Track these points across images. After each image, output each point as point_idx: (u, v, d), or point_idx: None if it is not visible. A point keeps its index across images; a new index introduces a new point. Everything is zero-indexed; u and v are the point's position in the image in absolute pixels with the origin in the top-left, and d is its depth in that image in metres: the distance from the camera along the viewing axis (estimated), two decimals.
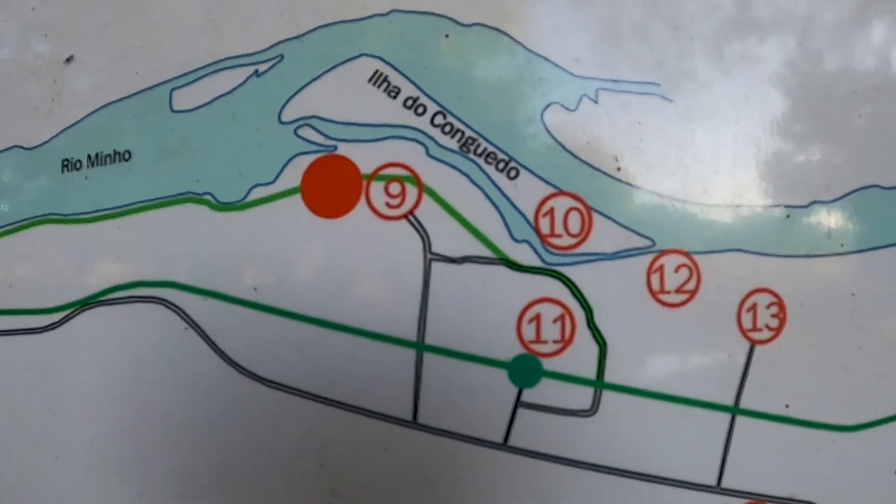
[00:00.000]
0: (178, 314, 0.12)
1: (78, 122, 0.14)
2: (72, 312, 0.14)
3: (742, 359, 0.12)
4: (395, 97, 0.12)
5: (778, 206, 0.12)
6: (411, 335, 0.11)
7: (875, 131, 0.12)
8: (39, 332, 0.14)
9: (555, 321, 0.11)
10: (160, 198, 0.13)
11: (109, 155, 0.13)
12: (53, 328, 0.14)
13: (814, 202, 0.12)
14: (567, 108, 0.12)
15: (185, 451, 0.13)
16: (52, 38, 0.15)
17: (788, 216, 0.12)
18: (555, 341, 0.11)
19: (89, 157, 0.14)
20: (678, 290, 0.11)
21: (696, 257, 0.11)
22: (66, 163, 0.14)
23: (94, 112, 0.14)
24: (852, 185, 0.12)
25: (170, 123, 0.13)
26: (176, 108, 0.13)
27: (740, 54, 0.12)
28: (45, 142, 0.14)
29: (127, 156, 0.13)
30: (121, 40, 0.14)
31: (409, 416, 0.11)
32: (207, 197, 0.12)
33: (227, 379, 0.12)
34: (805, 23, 0.12)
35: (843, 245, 0.12)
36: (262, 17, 0.13)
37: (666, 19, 0.12)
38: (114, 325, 0.13)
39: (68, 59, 0.15)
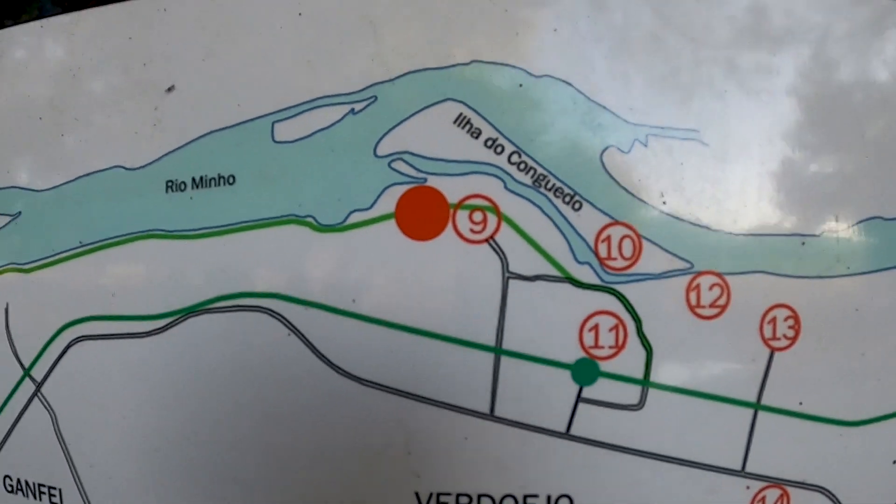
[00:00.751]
0: (282, 321, 0.16)
1: (181, 146, 0.17)
2: (176, 319, 0.17)
3: (763, 363, 0.16)
4: (476, 137, 0.15)
5: (795, 234, 0.16)
6: (491, 341, 0.15)
7: (876, 172, 0.16)
8: (142, 337, 0.17)
9: (610, 330, 0.15)
10: (264, 219, 0.16)
11: (214, 178, 0.17)
12: (157, 333, 0.17)
13: (825, 232, 0.16)
14: (622, 151, 0.15)
15: (281, 441, 0.16)
16: (150, 68, 0.18)
17: (804, 243, 0.16)
18: (610, 347, 0.15)
19: (193, 179, 0.17)
20: (711, 305, 0.15)
21: (727, 277, 0.15)
22: (170, 184, 0.17)
23: (197, 139, 0.17)
24: (857, 217, 0.16)
25: (272, 152, 0.16)
26: (278, 139, 0.16)
27: (765, 106, 0.16)
28: (149, 163, 0.18)
29: (231, 180, 0.16)
30: (219, 73, 0.17)
31: (487, 410, 0.15)
32: (309, 219, 0.16)
33: (325, 378, 0.15)
34: (825, 73, 0.16)
35: (849, 268, 0.16)
36: (355, 61, 0.16)
37: (706, 77, 0.16)
38: (218, 331, 0.16)
39: (169, 89, 0.18)
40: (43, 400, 0.18)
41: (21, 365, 0.18)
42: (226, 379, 0.16)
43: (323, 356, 0.15)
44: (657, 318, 0.14)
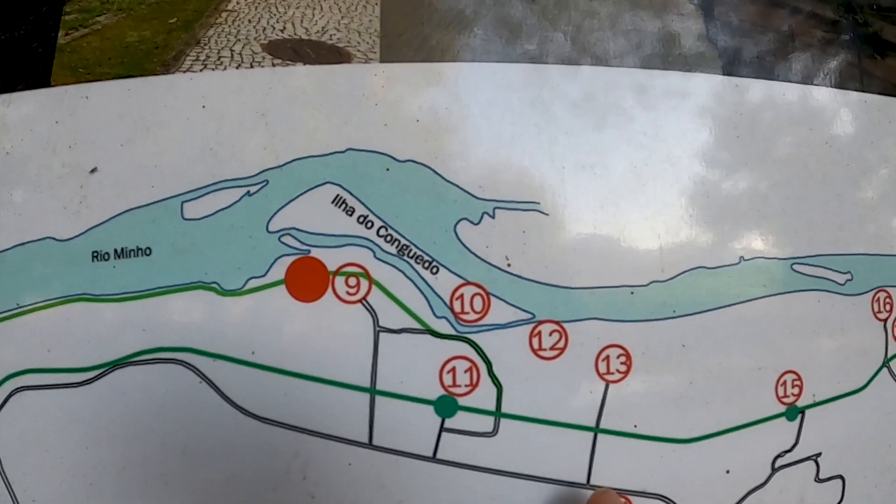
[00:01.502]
0: (194, 371, 0.21)
1: (104, 221, 0.22)
2: (105, 371, 0.22)
3: (600, 394, 0.21)
4: (351, 215, 0.20)
5: (625, 286, 0.21)
6: (366, 383, 0.20)
7: (699, 228, 0.22)
8: (77, 386, 0.22)
9: (465, 371, 0.20)
10: (177, 285, 0.21)
11: (133, 250, 0.22)
12: (89, 382, 0.22)
13: (652, 282, 0.21)
14: (472, 222, 0.20)
15: (200, 472, 0.21)
16: (75, 150, 0.23)
17: (632, 293, 0.21)
18: (466, 385, 0.20)
19: (115, 250, 0.22)
20: (552, 348, 0.20)
21: (564, 325, 0.20)
22: (95, 254, 0.22)
23: (117, 215, 0.22)
24: (683, 268, 0.22)
25: (182, 228, 0.21)
26: (186, 216, 0.21)
27: (597, 178, 0.21)
28: (76, 236, 0.23)
29: (148, 251, 0.21)
30: (136, 157, 0.22)
31: (366, 440, 0.20)
32: (214, 285, 0.21)
33: (232, 418, 0.20)
34: (652, 144, 0.21)
35: (674, 311, 0.21)
36: (250, 149, 0.21)
37: (546, 156, 0.21)
38: (141, 380, 0.21)
39: (93, 170, 0.23)
40: None
41: None
42: (151, 420, 0.21)
43: (230, 399, 0.20)
44: (505, 361, 0.20)
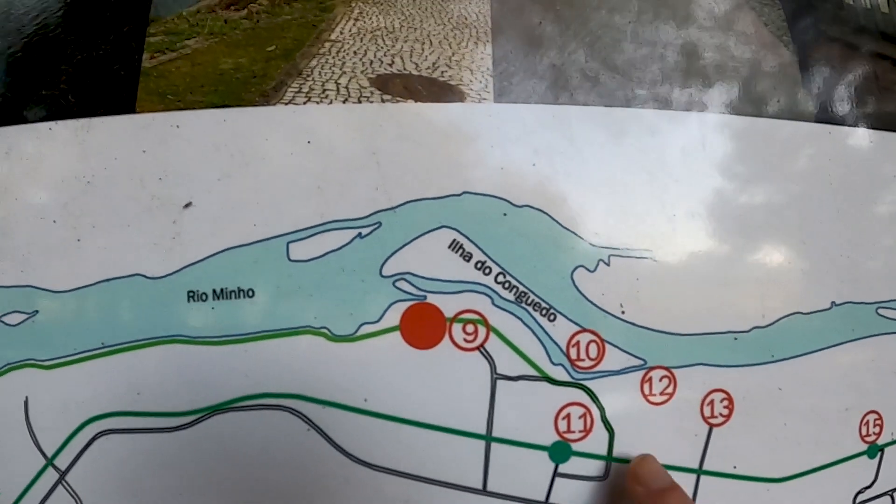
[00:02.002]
0: (301, 418, 0.20)
1: (201, 260, 0.21)
2: (202, 416, 0.21)
3: (704, 436, 0.22)
4: (468, 260, 0.20)
5: (728, 332, 0.22)
6: (482, 430, 0.20)
7: (796, 277, 0.23)
8: (169, 431, 0.22)
9: (579, 417, 0.20)
10: (283, 329, 0.20)
11: (234, 291, 0.21)
12: (184, 428, 0.21)
13: (754, 328, 0.22)
14: (588, 270, 0.20)
15: None
16: (166, 183, 0.22)
17: (736, 339, 0.22)
18: (580, 431, 0.20)
19: (214, 291, 0.21)
20: (661, 393, 0.21)
21: (674, 370, 0.21)
22: (191, 294, 0.21)
23: (216, 253, 0.21)
24: (781, 314, 0.22)
25: (288, 270, 0.20)
26: (293, 257, 0.21)
27: (705, 228, 0.22)
28: (169, 274, 0.22)
29: (251, 293, 0.21)
30: (235, 193, 0.21)
31: (480, 486, 0.20)
32: (324, 330, 0.20)
33: (341, 465, 0.20)
34: (765, 204, 0.21)
35: (773, 356, 0.22)
36: (360, 189, 0.21)
37: (658, 200, 0.21)
38: (242, 426, 0.21)
39: (187, 205, 0.22)
40: (68, 488, 0.22)
41: (43, 455, 0.22)
42: (251, 467, 0.20)
43: (339, 446, 0.20)
44: (617, 406, 0.20)
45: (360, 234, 0.19)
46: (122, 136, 0.21)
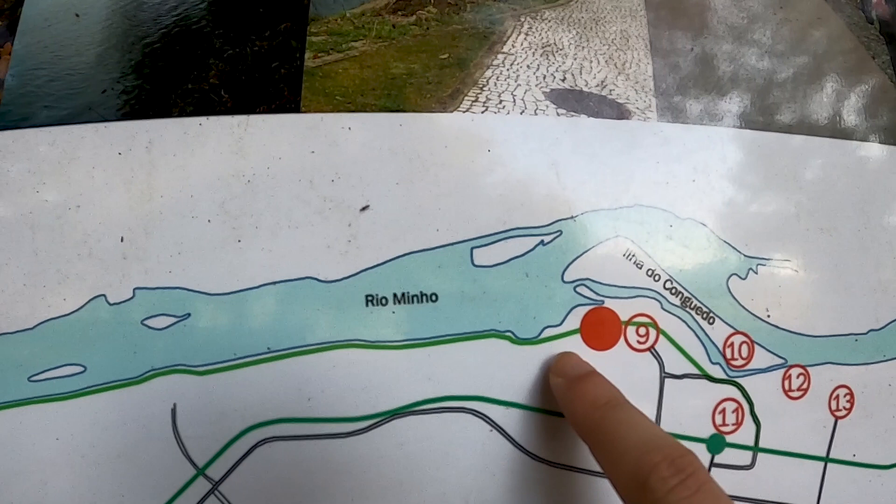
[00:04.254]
0: (484, 420, 0.21)
1: (380, 264, 0.21)
2: (381, 420, 0.21)
3: (830, 428, 0.25)
4: (640, 268, 0.22)
5: (851, 334, 0.25)
6: None
7: None
8: (343, 437, 0.21)
9: (733, 412, 0.23)
10: (467, 333, 0.21)
11: (416, 296, 0.21)
12: (360, 433, 0.21)
13: (870, 330, 0.25)
14: (740, 277, 0.23)
15: None
16: (339, 185, 0.22)
17: (857, 340, 0.25)
18: (733, 424, 0.23)
19: (395, 295, 0.21)
20: (798, 389, 0.24)
21: (808, 368, 0.24)
22: (370, 298, 0.21)
23: (396, 258, 0.21)
24: (891, 317, 0.26)
25: (472, 275, 0.21)
26: (477, 263, 0.21)
27: (834, 242, 0.25)
28: (345, 277, 0.21)
29: (434, 298, 0.21)
30: (414, 198, 0.21)
31: None
32: (508, 334, 0.21)
33: (523, 465, 0.21)
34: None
35: (885, 355, 0.26)
36: (541, 198, 0.22)
37: (794, 217, 0.24)
38: (424, 430, 0.21)
39: (364, 208, 0.21)
40: (222, 497, 0.21)
41: (193, 465, 0.21)
42: (432, 470, 0.21)
43: (521, 447, 0.21)
44: (763, 401, 0.23)
45: (542, 241, 0.21)
46: (286, 135, 0.21)
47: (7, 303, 0.24)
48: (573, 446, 0.22)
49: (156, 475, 0.23)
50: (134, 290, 0.23)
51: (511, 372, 0.22)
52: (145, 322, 0.23)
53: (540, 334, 0.22)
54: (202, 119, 0.23)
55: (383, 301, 0.22)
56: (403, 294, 0.22)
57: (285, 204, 0.22)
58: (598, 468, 0.21)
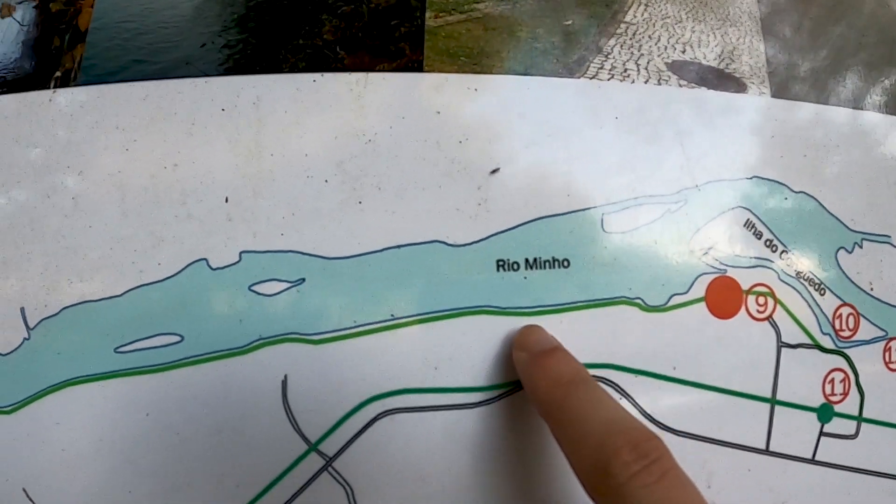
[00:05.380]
0: (614, 387, 0.20)
1: (511, 228, 0.20)
2: (510, 390, 0.20)
3: None
4: (759, 238, 0.22)
5: None
6: (768, 394, 0.22)
7: None
8: (471, 408, 0.20)
9: (840, 381, 0.23)
10: (599, 299, 0.20)
11: (548, 261, 0.20)
12: (488, 403, 0.20)
13: None
14: (847, 251, 0.24)
15: None
16: (466, 147, 0.21)
17: None
18: (840, 394, 0.23)
19: (527, 260, 0.20)
20: None
21: None
22: (501, 263, 0.20)
23: (527, 222, 0.20)
24: None
25: (603, 241, 0.21)
26: (607, 229, 0.21)
27: None
28: (475, 241, 0.20)
29: (566, 263, 0.20)
30: (545, 162, 0.21)
31: (763, 447, 0.22)
32: (638, 301, 0.21)
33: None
34: None
35: None
36: (668, 168, 0.22)
37: (894, 195, 0.25)
38: None
39: (494, 171, 0.21)
40: (335, 474, 0.20)
41: (305, 440, 0.20)
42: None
43: (648, 414, 0.20)
44: (867, 372, 0.23)
45: (669, 209, 0.21)
46: (410, 94, 0.21)
47: (91, 268, 0.23)
48: (694, 415, 0.22)
49: (262, 452, 0.21)
50: (240, 253, 0.22)
51: (639, 339, 0.22)
52: (253, 288, 0.22)
53: (668, 302, 0.22)
54: (316, 75, 0.22)
55: (515, 266, 0.21)
56: (535, 259, 0.21)
57: (410, 165, 0.22)
58: (726, 437, 0.22)
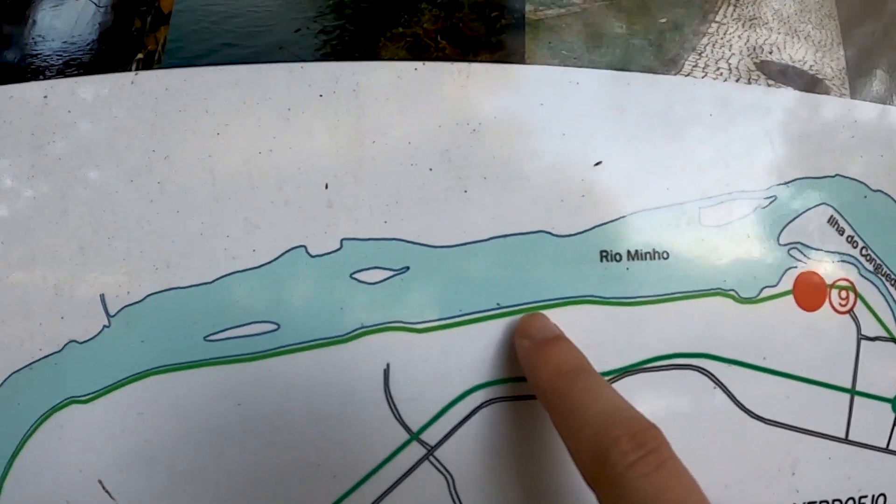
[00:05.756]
0: (709, 377, 0.21)
1: (613, 220, 0.21)
2: (612, 378, 0.20)
3: None
4: (841, 234, 0.23)
5: None
6: (848, 384, 0.23)
7: None
8: None
9: None
10: (695, 290, 0.21)
11: (648, 253, 0.21)
12: None
13: None
14: None
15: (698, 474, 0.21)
16: (569, 139, 0.21)
17: None
18: None
19: (629, 252, 0.20)
20: None
21: None
22: (604, 254, 0.20)
23: (628, 215, 0.21)
24: None
25: (700, 234, 0.21)
26: (704, 223, 0.21)
27: None
28: (580, 232, 0.20)
29: (665, 255, 0.21)
30: (644, 157, 0.21)
31: (843, 435, 0.23)
32: (732, 292, 0.21)
33: (740, 421, 0.21)
34: None
35: None
36: (759, 164, 0.22)
37: None
38: (652, 387, 0.21)
39: (597, 163, 0.21)
40: (437, 463, 0.20)
41: (406, 429, 0.20)
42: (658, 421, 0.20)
43: (739, 403, 0.21)
44: None
45: (760, 204, 0.21)
46: (512, 85, 0.21)
47: (179, 254, 0.22)
48: (781, 404, 0.23)
49: (361, 442, 0.21)
50: (341, 240, 0.22)
51: (734, 330, 0.22)
52: (355, 276, 0.22)
53: (759, 294, 0.23)
54: (418, 64, 0.22)
55: (617, 257, 0.21)
56: (637, 251, 0.22)
57: (515, 155, 0.22)
58: (810, 426, 0.22)
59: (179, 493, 0.22)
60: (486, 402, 0.22)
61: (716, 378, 0.23)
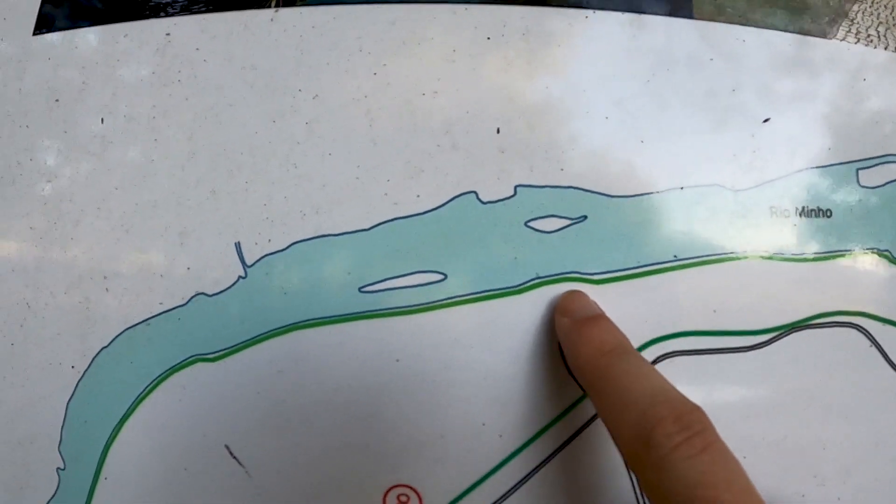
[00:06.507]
0: (866, 335, 0.21)
1: (782, 177, 0.20)
2: (781, 334, 0.20)
3: None
4: None
5: None
6: None
7: None
8: (745, 351, 0.20)
9: None
10: (853, 249, 0.21)
11: (814, 210, 0.20)
12: (761, 347, 0.20)
13: None
14: None
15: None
16: (739, 95, 0.20)
17: None
18: None
19: (797, 209, 0.20)
20: None
21: None
22: (773, 209, 0.20)
23: (796, 172, 0.20)
24: None
25: (858, 195, 0.21)
26: (862, 183, 0.21)
27: None
28: (752, 187, 0.20)
29: (829, 213, 0.21)
30: (808, 116, 0.21)
31: None
32: (887, 253, 0.21)
33: (889, 380, 0.21)
34: None
35: None
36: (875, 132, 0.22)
37: None
38: (814, 344, 0.21)
39: (766, 120, 0.20)
40: None
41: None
42: (812, 388, 0.20)
43: (894, 364, 0.21)
44: None
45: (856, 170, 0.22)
46: (683, 39, 0.21)
47: (331, 200, 0.21)
48: None
49: (533, 398, 0.20)
50: (515, 187, 0.21)
51: (889, 289, 0.22)
52: (530, 224, 0.21)
53: None
54: (588, 12, 0.22)
55: (786, 213, 0.21)
56: (804, 208, 0.22)
57: (687, 109, 0.21)
58: None
59: (322, 457, 0.21)
60: (661, 356, 0.21)
61: (871, 335, 0.23)
